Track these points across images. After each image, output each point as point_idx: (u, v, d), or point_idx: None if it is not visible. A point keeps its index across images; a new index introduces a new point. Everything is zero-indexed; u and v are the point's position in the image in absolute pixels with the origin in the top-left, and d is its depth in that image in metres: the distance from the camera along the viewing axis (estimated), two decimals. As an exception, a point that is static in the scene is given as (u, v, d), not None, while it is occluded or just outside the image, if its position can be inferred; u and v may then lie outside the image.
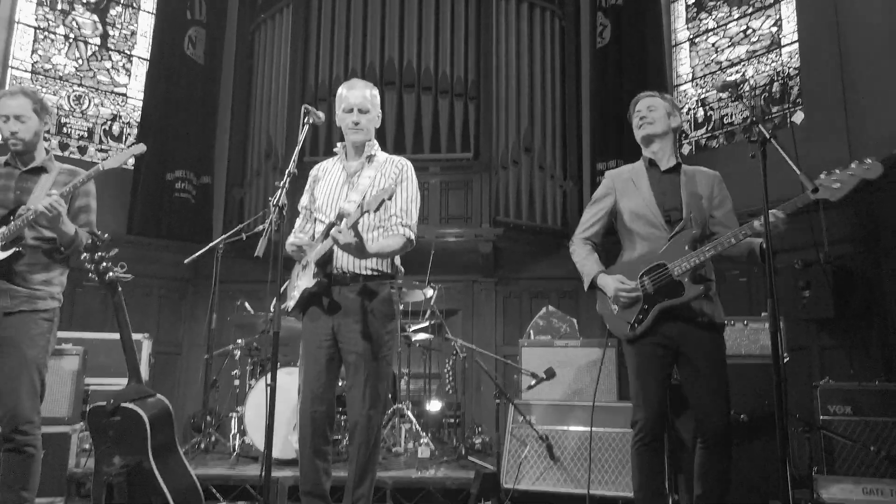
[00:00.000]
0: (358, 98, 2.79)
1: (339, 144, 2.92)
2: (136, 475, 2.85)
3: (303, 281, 2.75)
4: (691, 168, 2.87)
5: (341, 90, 2.85)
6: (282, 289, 2.87)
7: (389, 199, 2.52)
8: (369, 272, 2.70)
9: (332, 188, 2.82)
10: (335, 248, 2.61)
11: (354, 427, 2.62)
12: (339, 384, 2.96)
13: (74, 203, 2.96)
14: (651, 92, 2.92)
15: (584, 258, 2.87)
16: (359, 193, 2.71)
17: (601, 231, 2.93)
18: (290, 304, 2.79)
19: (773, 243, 2.29)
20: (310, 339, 2.73)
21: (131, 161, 7.05)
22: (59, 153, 6.64)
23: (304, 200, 2.96)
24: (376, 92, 2.89)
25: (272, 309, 2.83)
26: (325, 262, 2.66)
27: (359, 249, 2.51)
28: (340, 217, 2.63)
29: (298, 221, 2.97)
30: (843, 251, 5.02)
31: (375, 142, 2.90)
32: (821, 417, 3.65)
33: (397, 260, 2.83)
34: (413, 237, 2.76)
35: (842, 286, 4.90)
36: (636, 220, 2.78)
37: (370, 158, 2.83)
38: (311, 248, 2.73)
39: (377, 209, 2.50)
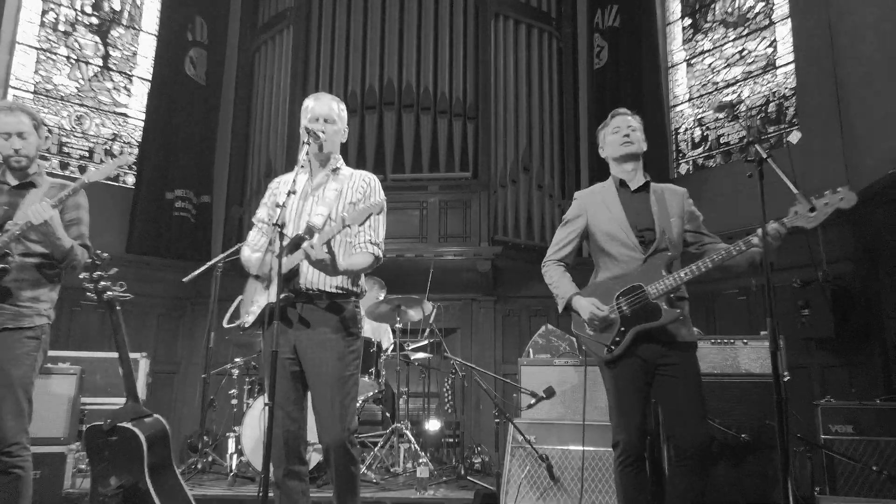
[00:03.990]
0: (324, 109, 2.75)
1: (302, 157, 2.88)
2: (132, 496, 2.83)
3: (263, 296, 2.68)
4: (660, 186, 2.88)
5: (307, 101, 2.81)
6: (234, 304, 2.81)
7: (379, 213, 2.48)
8: (335, 290, 2.63)
9: (295, 201, 2.73)
10: (302, 262, 2.56)
11: (329, 450, 2.54)
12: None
13: (64, 216, 2.89)
14: (625, 110, 2.93)
15: (557, 279, 2.87)
16: (325, 206, 2.65)
17: (573, 252, 2.96)
18: (249, 319, 2.70)
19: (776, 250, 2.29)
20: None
21: (131, 180, 7.12)
22: (60, 172, 6.66)
23: (262, 214, 2.87)
24: (343, 107, 2.85)
25: (236, 325, 2.77)
26: (290, 276, 2.58)
27: (331, 266, 2.46)
28: (310, 231, 2.55)
29: (252, 234, 2.88)
30: (842, 270, 5.03)
31: (339, 156, 2.85)
32: (822, 437, 3.64)
33: (362, 278, 2.77)
34: (381, 255, 2.71)
35: (841, 305, 4.91)
36: (610, 241, 2.79)
37: (335, 171, 2.78)
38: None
39: (362, 223, 2.47)
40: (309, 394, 2.65)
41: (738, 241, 2.52)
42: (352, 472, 2.56)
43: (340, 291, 2.65)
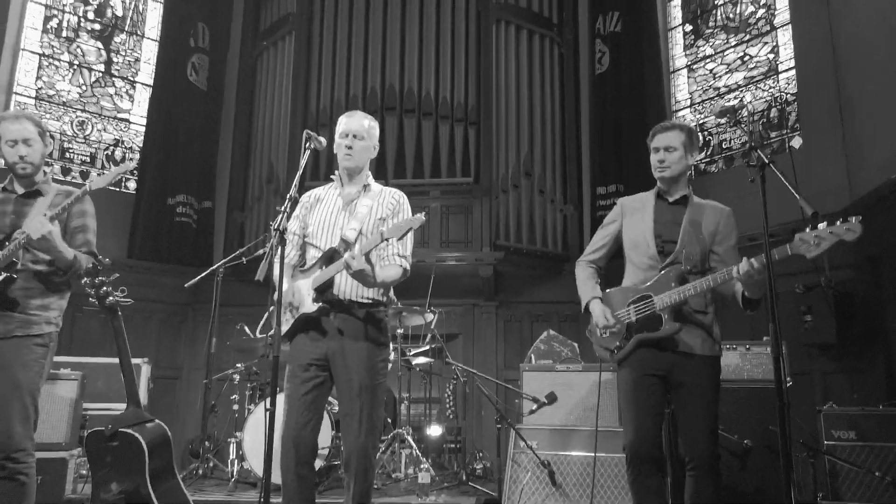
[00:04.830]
0: (355, 125, 2.84)
1: (336, 172, 2.94)
2: (133, 501, 2.82)
3: (301, 306, 2.73)
4: (703, 202, 2.87)
5: (341, 118, 2.91)
6: (267, 314, 2.85)
7: (419, 228, 2.55)
8: (368, 300, 2.72)
9: (328, 215, 2.83)
10: (337, 275, 2.63)
11: (350, 455, 2.61)
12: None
13: (70, 224, 2.91)
14: (670, 123, 2.85)
15: (583, 281, 2.97)
16: (358, 221, 2.74)
17: (605, 255, 3.01)
18: (283, 328, 2.74)
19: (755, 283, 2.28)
20: (300, 362, 2.70)
21: (133, 185, 7.12)
22: (62, 178, 6.68)
23: (293, 227, 2.92)
24: (375, 124, 2.93)
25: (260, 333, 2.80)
26: (325, 288, 2.66)
27: (369, 277, 2.54)
28: (345, 244, 2.66)
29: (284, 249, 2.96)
30: (845, 276, 5.01)
31: (370, 172, 2.94)
32: (825, 443, 3.63)
33: (391, 290, 2.86)
34: (408, 268, 2.79)
35: (843, 311, 4.89)
36: (633, 248, 2.84)
37: (366, 187, 2.87)
38: (305, 274, 2.73)
39: (401, 238, 2.56)
40: (332, 400, 2.70)
41: (724, 269, 2.54)
42: (370, 479, 2.64)
43: (373, 301, 2.74)
